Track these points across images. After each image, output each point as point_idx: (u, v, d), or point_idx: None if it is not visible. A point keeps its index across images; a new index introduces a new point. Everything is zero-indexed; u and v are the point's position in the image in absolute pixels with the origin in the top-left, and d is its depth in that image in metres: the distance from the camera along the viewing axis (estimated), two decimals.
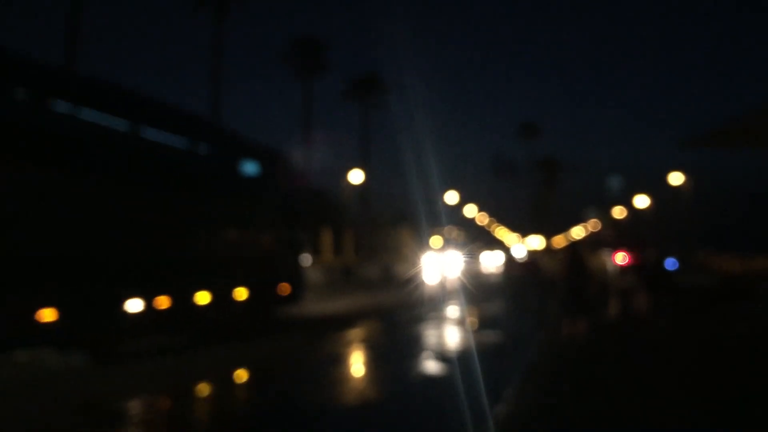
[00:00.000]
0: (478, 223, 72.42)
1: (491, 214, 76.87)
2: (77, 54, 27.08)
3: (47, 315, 8.34)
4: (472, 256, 54.61)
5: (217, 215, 12.27)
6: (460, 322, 15.02)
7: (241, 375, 9.05)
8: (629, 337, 12.14)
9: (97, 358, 9.25)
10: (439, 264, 28.71)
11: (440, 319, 15.60)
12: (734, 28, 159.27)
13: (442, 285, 26.01)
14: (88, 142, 9.26)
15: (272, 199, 14.28)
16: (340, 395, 7.49)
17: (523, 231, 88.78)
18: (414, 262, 24.64)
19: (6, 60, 8.38)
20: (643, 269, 23.03)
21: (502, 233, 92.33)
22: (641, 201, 47.39)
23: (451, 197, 58.98)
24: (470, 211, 65.90)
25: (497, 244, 78.20)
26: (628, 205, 50.47)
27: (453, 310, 17.27)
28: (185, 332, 11.43)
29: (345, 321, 14.62)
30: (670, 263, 26.45)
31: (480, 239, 69.49)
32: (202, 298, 11.45)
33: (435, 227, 35.98)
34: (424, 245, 33.64)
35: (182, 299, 10.96)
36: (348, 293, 19.01)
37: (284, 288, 14.50)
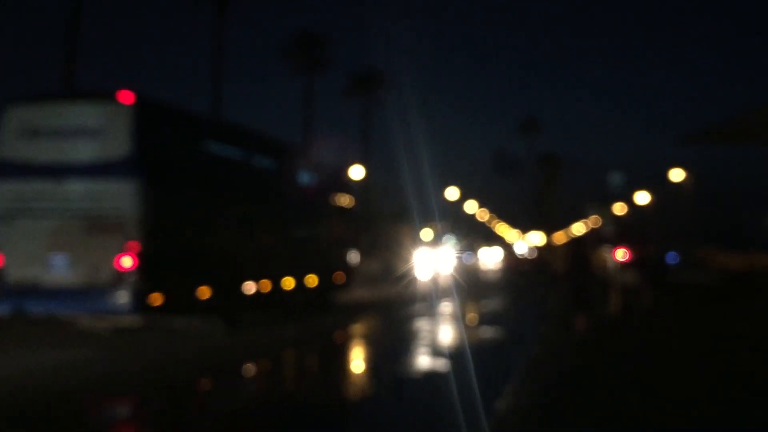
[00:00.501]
0: (479, 219, 72.36)
1: (492, 211, 76.85)
2: (77, 51, 27.02)
3: (204, 293, 11.86)
4: (467, 252, 54.34)
5: (298, 221, 15.89)
6: (455, 318, 15.57)
7: (318, 341, 12.46)
8: (629, 335, 12.13)
9: (227, 324, 12.38)
10: (431, 260, 28.89)
11: (432, 316, 16.04)
12: (736, 24, 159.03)
13: (435, 281, 26.09)
14: (223, 171, 13.04)
15: (332, 205, 17.73)
16: (383, 352, 11.24)
17: (524, 227, 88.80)
18: (408, 258, 25.02)
19: (168, 114, 12.20)
20: (644, 266, 23.03)
21: (502, 229, 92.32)
22: (642, 197, 47.29)
23: (452, 193, 58.91)
24: (471, 207, 65.82)
25: (497, 240, 78.20)
26: (629, 201, 50.38)
27: (443, 307, 17.56)
28: (277, 308, 14.57)
29: (367, 307, 17.93)
30: (671, 260, 26.43)
31: (476, 234, 69.42)
32: (288, 283, 14.79)
33: (429, 223, 35.80)
34: (418, 241, 34.03)
35: (277, 284, 14.38)
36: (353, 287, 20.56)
37: (340, 277, 17.59)
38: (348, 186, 20.41)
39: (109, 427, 6.64)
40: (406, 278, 23.03)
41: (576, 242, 15.47)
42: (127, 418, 7.00)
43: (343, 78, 50.67)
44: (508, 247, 75.77)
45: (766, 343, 10.87)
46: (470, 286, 24.80)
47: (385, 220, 43.26)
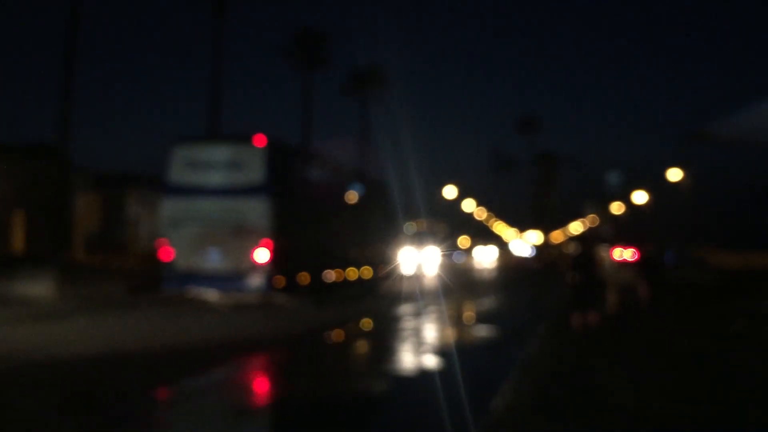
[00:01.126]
0: (477, 217, 72.40)
1: (490, 209, 76.86)
2: (77, 47, 26.98)
3: (305, 279, 16.19)
4: (455, 250, 53.36)
5: (361, 224, 20.42)
6: (445, 317, 15.70)
7: (378, 317, 15.33)
8: (627, 334, 12.14)
9: (315, 302, 16.08)
10: (416, 258, 28.67)
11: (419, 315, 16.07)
12: (735, 22, 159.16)
13: (419, 280, 26.07)
14: (317, 189, 17.75)
15: (381, 210, 22.22)
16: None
17: (522, 226, 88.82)
18: (395, 256, 25.18)
19: (287, 150, 16.53)
20: (641, 265, 23.03)
21: (500, 228, 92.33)
22: (640, 196, 47.37)
23: (450, 191, 58.93)
24: (469, 205, 65.85)
25: (494, 239, 78.13)
26: (627, 200, 50.42)
27: (424, 307, 17.23)
28: (344, 292, 18.22)
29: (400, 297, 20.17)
30: (669, 259, 26.45)
31: (471, 232, 69.29)
32: (353, 273, 19.31)
33: (417, 219, 35.69)
34: (405, 238, 34.54)
35: (345, 273, 18.77)
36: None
37: (384, 270, 21.96)
38: (389, 198, 23.51)
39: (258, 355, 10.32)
40: (390, 277, 23.21)
41: (584, 239, 15.45)
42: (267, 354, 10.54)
43: (342, 76, 50.62)
44: (504, 246, 75.72)
45: (762, 341, 10.90)
46: (460, 285, 24.95)
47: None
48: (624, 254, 26.67)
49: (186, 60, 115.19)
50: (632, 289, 19.45)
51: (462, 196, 62.47)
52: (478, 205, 69.64)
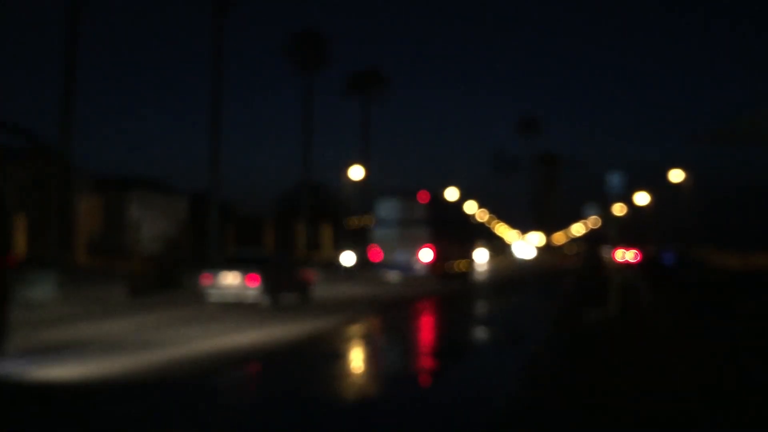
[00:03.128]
0: (479, 219, 72.33)
1: (492, 211, 76.91)
2: (78, 50, 27.04)
3: (442, 269, 28.05)
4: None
5: (463, 237, 32.02)
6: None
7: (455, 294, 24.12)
8: (630, 334, 12.14)
9: (443, 280, 27.78)
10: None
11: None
12: (737, 24, 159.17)
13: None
14: (449, 221, 30.59)
15: (469, 227, 36.87)
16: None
17: (524, 228, 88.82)
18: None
19: (439, 200, 31.77)
20: (643, 266, 23.04)
21: (502, 230, 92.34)
22: (642, 198, 47.36)
23: (452, 193, 58.91)
24: (470, 207, 65.81)
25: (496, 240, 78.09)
26: (629, 202, 50.43)
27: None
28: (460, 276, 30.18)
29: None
30: (670, 260, 26.43)
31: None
32: (461, 265, 30.02)
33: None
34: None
35: (459, 265, 30.05)
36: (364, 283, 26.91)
37: (471, 265, 33.70)
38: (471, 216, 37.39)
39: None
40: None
41: (591, 242, 15.60)
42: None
43: (343, 77, 50.59)
44: (505, 248, 75.65)
45: (762, 342, 10.88)
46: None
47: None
48: (626, 255, 26.62)
49: (187, 62, 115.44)
50: (635, 290, 19.44)
51: (463, 197, 62.49)
52: (480, 207, 69.65)
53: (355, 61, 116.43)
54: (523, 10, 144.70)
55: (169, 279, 22.56)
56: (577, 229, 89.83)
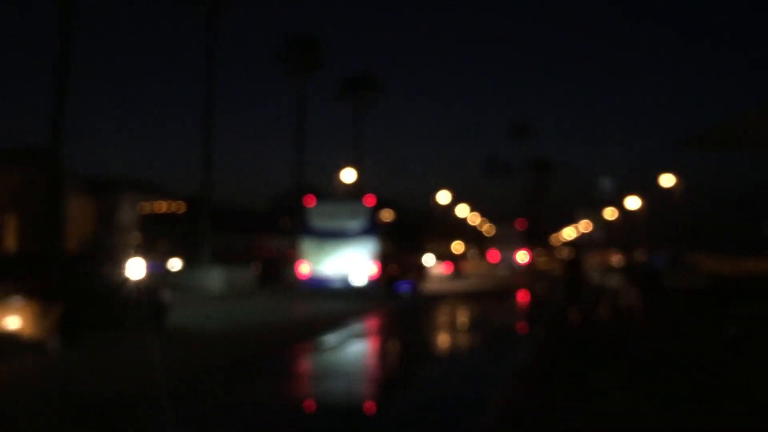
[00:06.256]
0: (470, 223, 72.28)
1: (483, 215, 76.79)
2: (70, 52, 26.91)
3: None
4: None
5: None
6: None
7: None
8: (620, 339, 12.18)
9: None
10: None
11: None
12: (728, 29, 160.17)
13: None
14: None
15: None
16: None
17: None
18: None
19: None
20: (634, 271, 23.10)
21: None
22: (632, 202, 47.50)
23: (444, 197, 58.93)
24: (462, 210, 65.80)
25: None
26: (620, 206, 50.56)
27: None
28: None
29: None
30: (660, 264, 26.52)
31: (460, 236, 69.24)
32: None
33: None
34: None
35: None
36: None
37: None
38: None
39: None
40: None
41: (574, 249, 15.68)
42: None
43: (335, 81, 50.63)
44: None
45: (755, 347, 10.95)
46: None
47: None
48: (614, 260, 26.66)
49: (179, 65, 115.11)
50: (625, 295, 19.51)
51: (455, 201, 62.49)
52: (472, 210, 69.62)
53: (348, 65, 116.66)
54: (515, 16, 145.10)
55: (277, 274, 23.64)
56: (569, 233, 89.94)
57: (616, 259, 21.23)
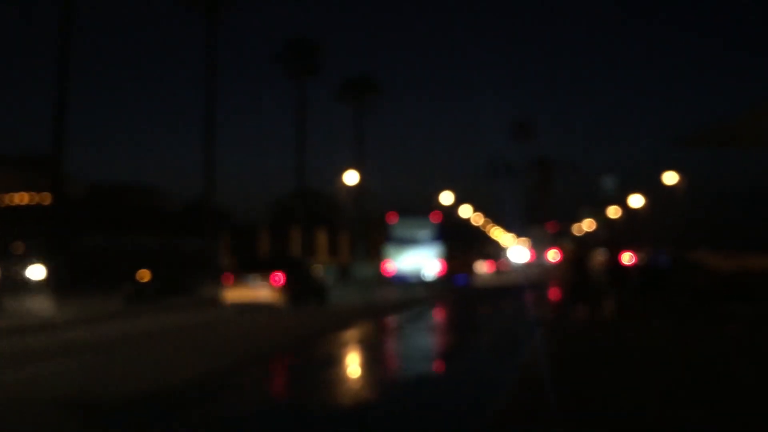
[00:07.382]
0: (473, 223, 72.24)
1: (487, 215, 76.79)
2: (71, 58, 27.01)
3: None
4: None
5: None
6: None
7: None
8: (624, 338, 12.14)
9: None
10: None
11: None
12: (728, 28, 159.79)
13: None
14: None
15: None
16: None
17: (518, 231, 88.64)
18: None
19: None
20: (638, 269, 23.03)
21: (497, 234, 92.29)
22: (635, 200, 47.48)
23: (446, 197, 58.90)
24: (465, 211, 65.76)
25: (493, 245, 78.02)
26: (623, 204, 50.56)
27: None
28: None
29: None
30: (664, 262, 26.44)
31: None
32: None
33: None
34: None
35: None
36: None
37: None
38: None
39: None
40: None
41: (578, 246, 15.72)
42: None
43: (336, 83, 50.71)
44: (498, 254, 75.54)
45: (758, 345, 10.90)
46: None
47: (377, 224, 43.42)
48: (625, 258, 26.56)
49: (181, 70, 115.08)
50: (628, 293, 19.44)
51: (459, 201, 62.48)
52: (475, 210, 69.60)
53: (348, 68, 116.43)
54: (515, 16, 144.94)
55: (176, 285, 22.76)
56: (577, 230, 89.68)
57: (599, 258, 20.95)
